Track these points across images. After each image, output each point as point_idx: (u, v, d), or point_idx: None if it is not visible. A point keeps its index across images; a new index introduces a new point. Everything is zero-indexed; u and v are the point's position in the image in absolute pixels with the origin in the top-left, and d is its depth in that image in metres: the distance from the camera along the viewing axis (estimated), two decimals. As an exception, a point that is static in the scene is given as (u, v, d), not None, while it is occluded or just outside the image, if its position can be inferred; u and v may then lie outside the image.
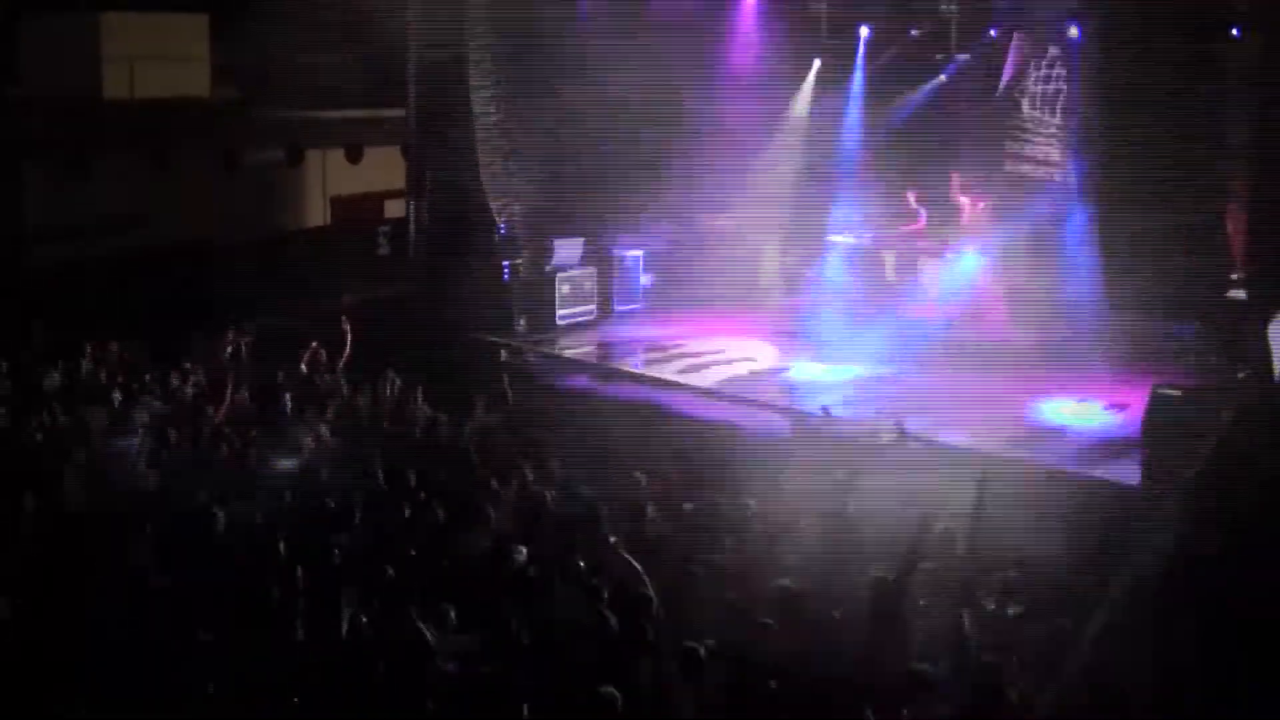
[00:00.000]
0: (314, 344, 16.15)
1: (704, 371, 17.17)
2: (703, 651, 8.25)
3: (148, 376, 15.67)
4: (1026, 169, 18.38)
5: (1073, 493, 12.51)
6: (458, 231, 19.84)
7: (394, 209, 23.58)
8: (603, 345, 18.87)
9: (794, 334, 18.44)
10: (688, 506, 11.73)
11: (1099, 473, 13.36)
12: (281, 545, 10.28)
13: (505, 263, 19.49)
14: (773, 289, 19.90)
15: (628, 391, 16.80)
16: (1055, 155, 18.10)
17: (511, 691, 7.89)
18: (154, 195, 21.71)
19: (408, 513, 11.25)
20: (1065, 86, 17.73)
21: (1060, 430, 14.87)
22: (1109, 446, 14.05)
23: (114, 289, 20.06)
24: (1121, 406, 14.95)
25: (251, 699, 8.25)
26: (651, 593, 9.16)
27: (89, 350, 16.33)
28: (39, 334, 17.47)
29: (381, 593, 9.40)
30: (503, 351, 18.26)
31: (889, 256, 19.01)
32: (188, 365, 15.86)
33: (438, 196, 20.16)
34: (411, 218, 20.85)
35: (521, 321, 19.25)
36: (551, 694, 8.02)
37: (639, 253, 20.36)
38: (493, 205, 19.36)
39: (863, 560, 9.61)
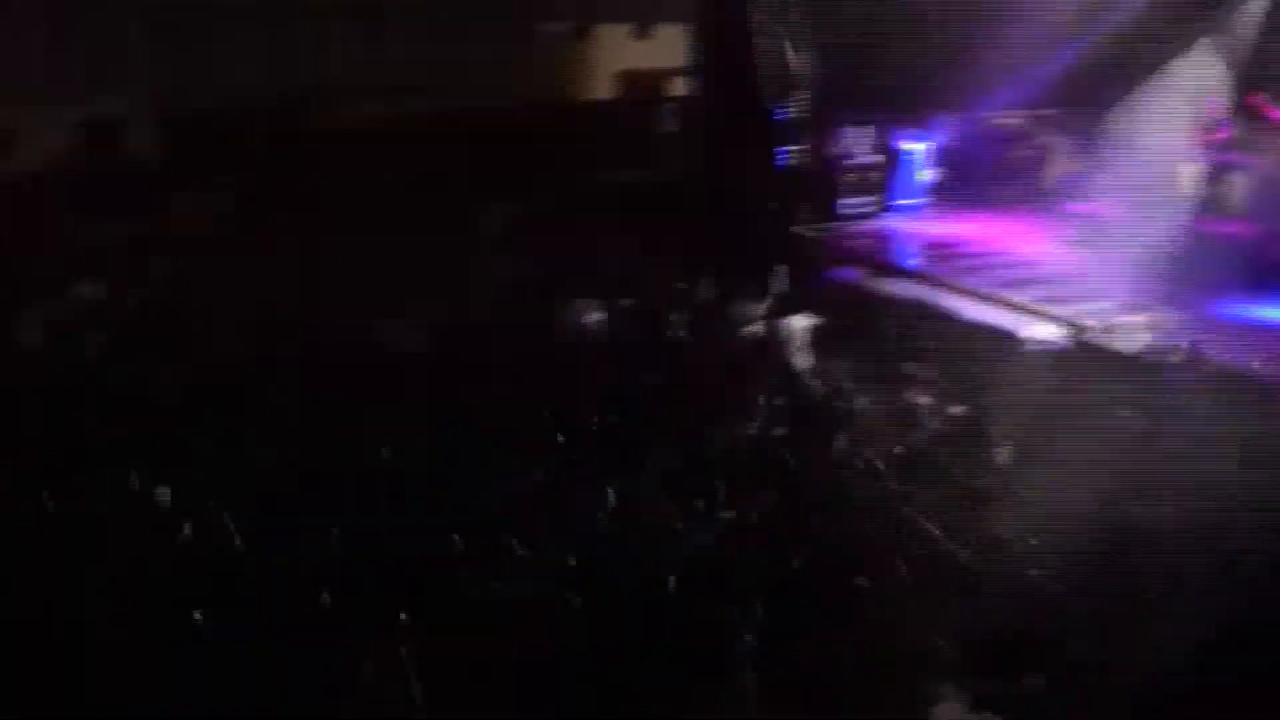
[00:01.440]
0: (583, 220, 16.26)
1: (983, 274, 16.63)
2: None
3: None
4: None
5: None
6: (740, 115, 19.57)
7: (680, 88, 23.39)
8: (880, 239, 18.44)
9: (1081, 240, 17.74)
10: (955, 410, 11.49)
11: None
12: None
13: (786, 149, 19.17)
14: (1061, 191, 19.11)
15: (902, 288, 16.43)
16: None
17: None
18: (445, 62, 22.03)
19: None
20: None
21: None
22: None
23: (401, 151, 20.53)
24: None
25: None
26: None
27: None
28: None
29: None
30: (776, 239, 18.04)
31: (1186, 168, 18.03)
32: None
33: (722, 78, 19.90)
34: (696, 98, 20.66)
35: (799, 210, 18.96)
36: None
37: (925, 146, 19.77)
38: (777, 90, 18.97)
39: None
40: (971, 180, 19.54)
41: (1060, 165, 19.23)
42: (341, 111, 21.23)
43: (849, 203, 19.17)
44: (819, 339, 13.29)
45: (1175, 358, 12.88)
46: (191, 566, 7.85)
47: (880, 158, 19.44)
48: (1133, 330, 13.89)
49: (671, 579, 7.94)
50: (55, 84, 19.40)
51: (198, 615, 7.04)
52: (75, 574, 7.54)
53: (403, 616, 7.16)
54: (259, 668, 6.79)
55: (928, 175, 19.88)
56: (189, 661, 6.82)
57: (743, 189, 19.00)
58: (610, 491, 9.06)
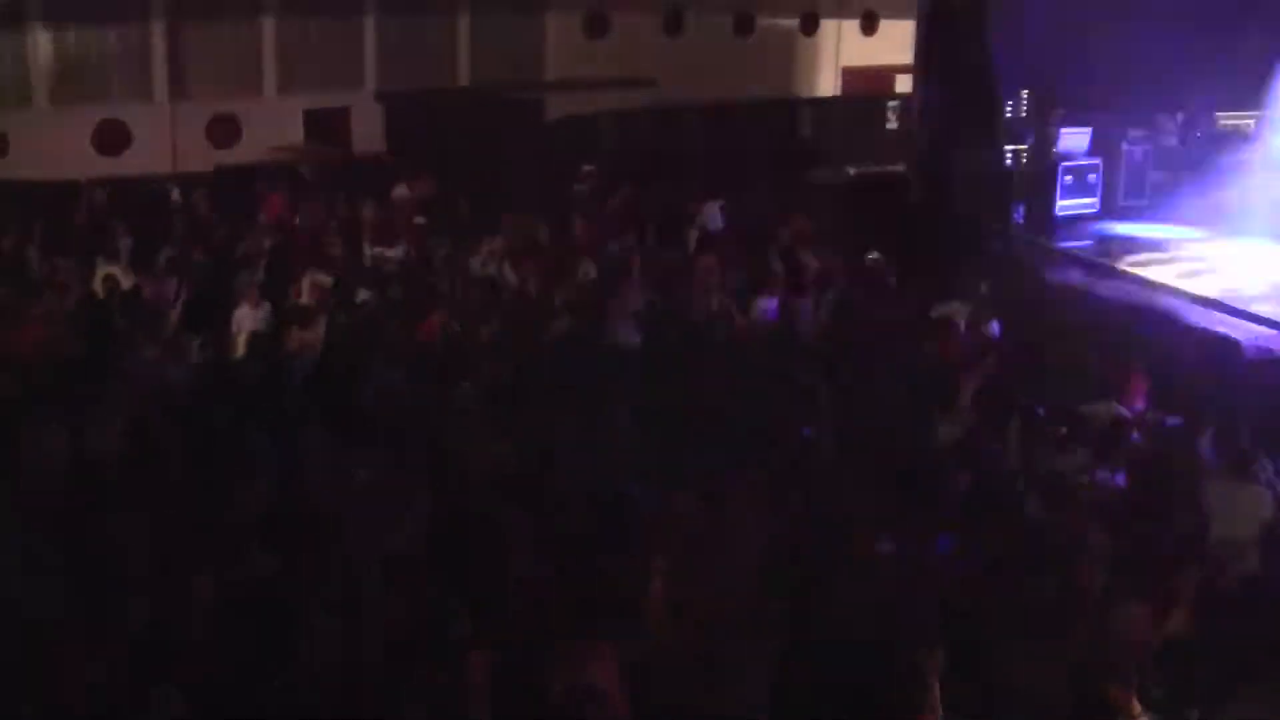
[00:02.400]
0: (797, 216, 16.28)
1: (1206, 278, 16.13)
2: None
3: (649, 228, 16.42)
4: None
5: None
6: (964, 112, 19.29)
7: (906, 85, 23.22)
8: (1101, 241, 17.99)
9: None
10: (1169, 421, 11.24)
11: None
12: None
13: (1009, 148, 18.82)
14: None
15: (1122, 291, 16.04)
16: None
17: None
18: (667, 55, 22.29)
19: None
20: None
21: None
22: None
23: (624, 144, 20.86)
24: None
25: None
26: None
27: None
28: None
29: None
30: (997, 240, 17.77)
31: None
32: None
33: (947, 75, 19.63)
34: (919, 95, 20.43)
35: (1020, 210, 18.61)
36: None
37: (1148, 148, 19.20)
38: (1001, 89, 18.65)
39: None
40: (1196, 182, 18.86)
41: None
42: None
43: (1070, 204, 18.69)
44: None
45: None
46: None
47: (1100, 159, 18.90)
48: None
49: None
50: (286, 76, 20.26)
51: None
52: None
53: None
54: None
55: (1153, 176, 19.28)
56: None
57: (963, 186, 18.73)
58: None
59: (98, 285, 13.06)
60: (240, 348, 12.06)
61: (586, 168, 19.33)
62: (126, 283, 13.24)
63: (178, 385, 10.91)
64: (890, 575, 8.08)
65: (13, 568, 7.67)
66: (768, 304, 13.76)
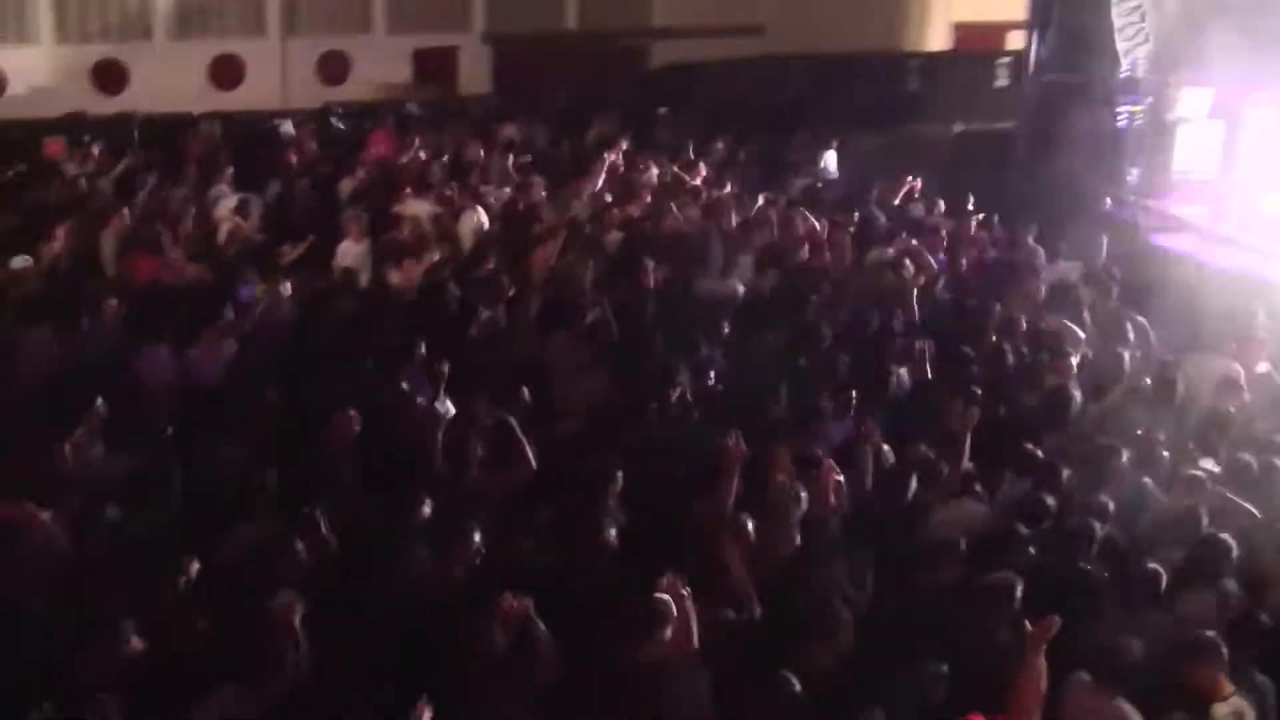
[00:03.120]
0: (910, 177, 16.12)
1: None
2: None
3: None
4: None
5: None
6: (1077, 70, 18.92)
7: (1016, 41, 22.85)
8: (1218, 206, 17.53)
9: None
10: (1247, 398, 10.98)
11: None
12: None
13: (1124, 108, 18.39)
14: None
15: (1236, 260, 15.65)
16: None
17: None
18: (776, 4, 22.11)
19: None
20: None
21: None
22: None
23: (730, 92, 20.76)
24: None
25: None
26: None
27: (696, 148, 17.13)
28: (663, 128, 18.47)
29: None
30: (1108, 201, 17.43)
31: None
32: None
33: (1061, 31, 19.25)
34: (1031, 51, 20.06)
35: (1134, 173, 18.22)
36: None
37: (1272, 111, 18.61)
38: (1118, 45, 18.21)
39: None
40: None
41: None
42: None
43: (1187, 167, 18.22)
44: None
45: None
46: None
47: (1221, 121, 18.35)
48: None
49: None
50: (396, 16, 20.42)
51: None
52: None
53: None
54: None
55: (1277, 140, 18.70)
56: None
57: (1073, 145, 18.39)
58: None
59: (223, 214, 13.31)
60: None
61: (661, 111, 19.30)
62: (248, 214, 13.46)
63: (283, 318, 11.08)
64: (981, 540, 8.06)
65: (123, 488, 7.86)
66: (881, 256, 13.61)
